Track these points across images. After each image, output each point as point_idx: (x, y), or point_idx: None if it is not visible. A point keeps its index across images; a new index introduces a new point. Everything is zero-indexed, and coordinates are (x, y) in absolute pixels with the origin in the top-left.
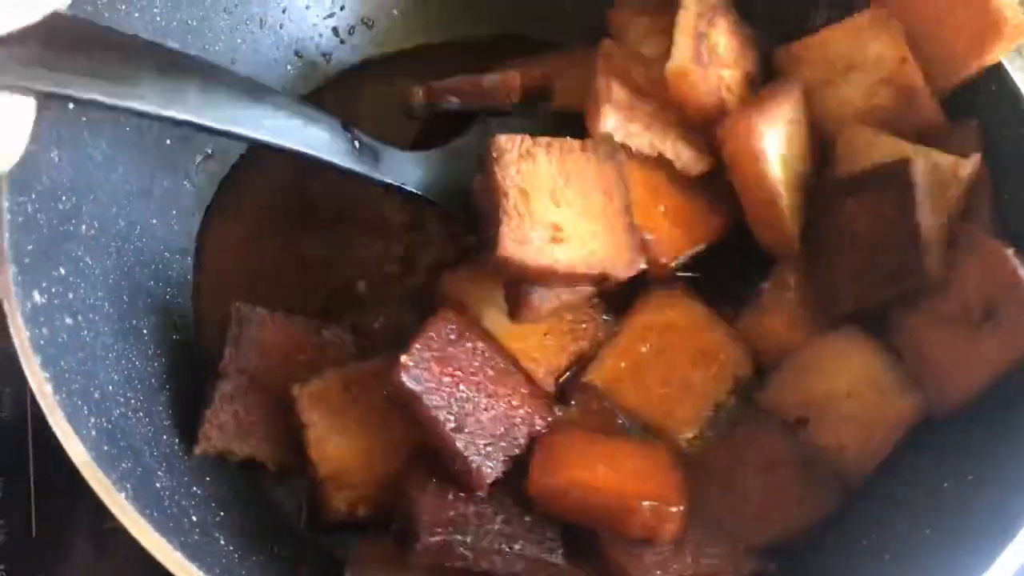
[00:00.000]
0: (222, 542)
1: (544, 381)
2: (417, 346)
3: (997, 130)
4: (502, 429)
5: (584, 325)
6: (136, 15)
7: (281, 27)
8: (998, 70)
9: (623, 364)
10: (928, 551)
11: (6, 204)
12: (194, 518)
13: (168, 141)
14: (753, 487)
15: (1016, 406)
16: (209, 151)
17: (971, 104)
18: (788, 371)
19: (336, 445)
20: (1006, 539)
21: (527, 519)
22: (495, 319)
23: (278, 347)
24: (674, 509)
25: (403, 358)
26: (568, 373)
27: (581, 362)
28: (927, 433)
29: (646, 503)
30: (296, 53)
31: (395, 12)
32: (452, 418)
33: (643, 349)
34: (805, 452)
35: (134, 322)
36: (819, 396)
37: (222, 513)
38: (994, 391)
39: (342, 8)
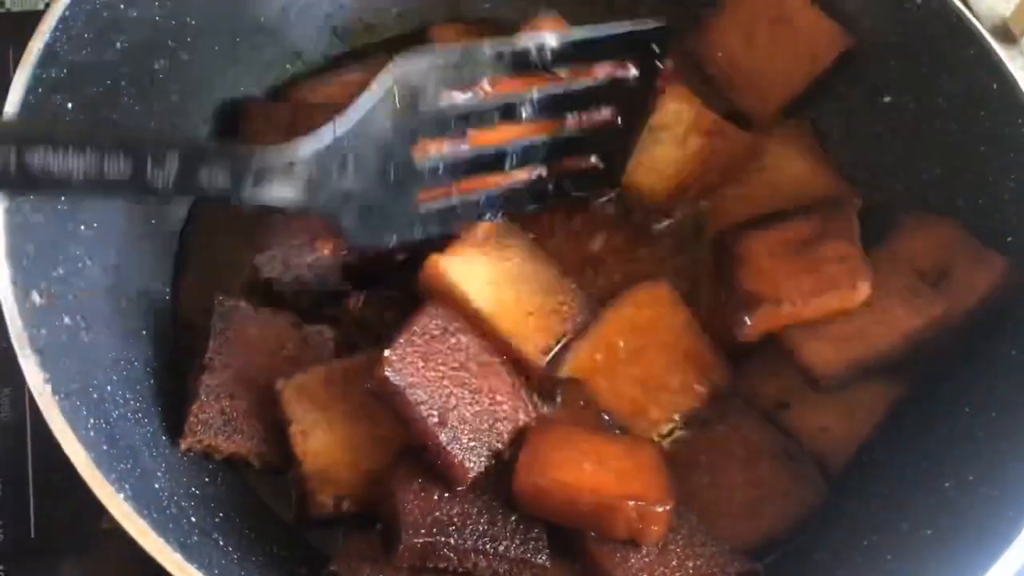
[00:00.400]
0: (221, 543)
1: (536, 360)
2: (401, 341)
3: (997, 129)
4: (486, 424)
5: (565, 306)
6: (135, 13)
7: (281, 28)
8: (999, 69)
9: (598, 357)
10: (929, 551)
11: (4, 205)
12: (193, 519)
13: None
14: (737, 482)
15: (1017, 406)
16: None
17: (971, 103)
18: (762, 358)
19: (321, 441)
20: (1008, 539)
21: (512, 519)
22: (481, 301)
23: (262, 342)
24: (660, 509)
25: (386, 353)
26: (557, 348)
27: (567, 341)
28: (928, 433)
29: (632, 503)
30: (295, 54)
31: (394, 11)
32: (435, 413)
33: (620, 344)
34: (787, 444)
35: (133, 323)
36: (797, 380)
37: (221, 514)
38: (994, 392)
39: (341, 8)
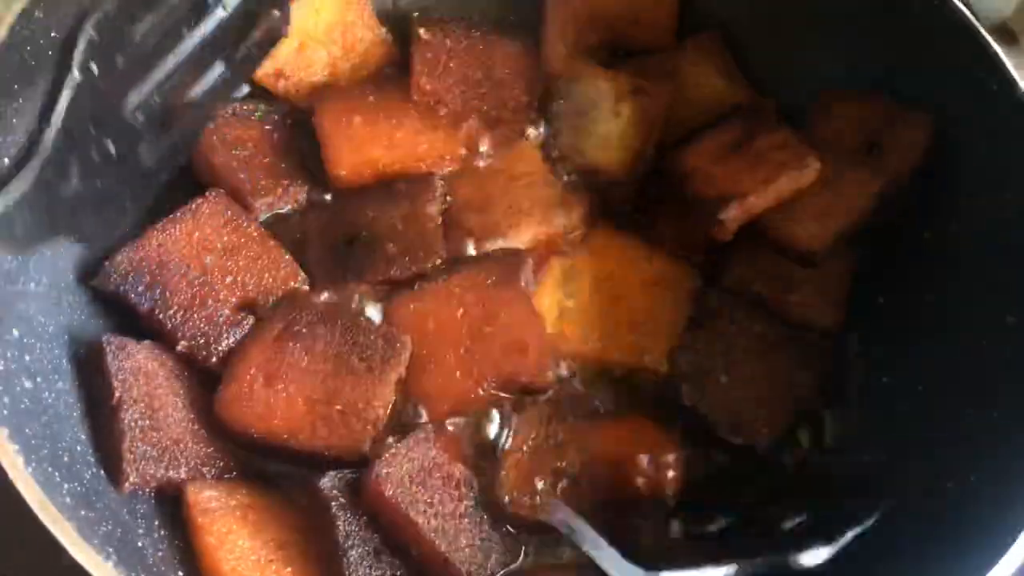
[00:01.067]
0: None
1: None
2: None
3: (996, 127)
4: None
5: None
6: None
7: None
8: (997, 66)
9: (593, 332)
10: (932, 552)
11: None
12: (180, 574)
13: None
14: (753, 374)
15: (1018, 407)
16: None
17: (967, 104)
18: (745, 249)
19: None
20: (1011, 537)
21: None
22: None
23: (159, 371)
24: (671, 457)
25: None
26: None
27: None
28: (930, 434)
29: (643, 456)
30: None
31: None
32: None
33: (601, 303)
34: (789, 329)
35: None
36: (777, 269)
37: None
38: (996, 393)
39: None
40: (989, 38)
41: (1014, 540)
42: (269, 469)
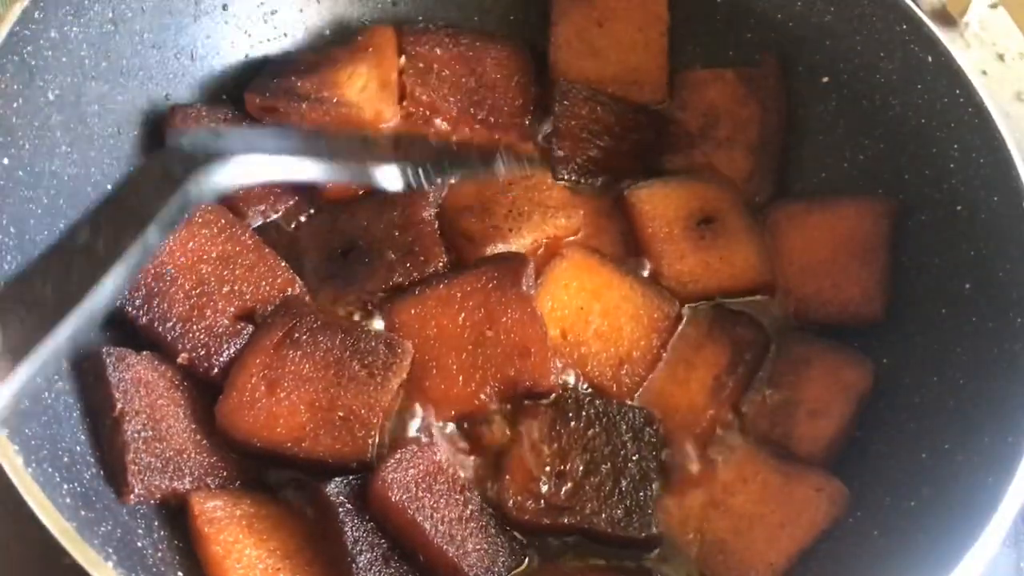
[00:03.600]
0: None
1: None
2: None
3: (935, 101)
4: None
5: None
6: (64, 59)
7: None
8: (931, 41)
9: (582, 349)
10: (915, 523)
11: None
12: (179, 574)
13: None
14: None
15: (981, 370)
16: None
17: (908, 78)
18: None
19: None
20: (992, 505)
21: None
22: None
23: (158, 382)
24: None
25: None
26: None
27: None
28: (899, 406)
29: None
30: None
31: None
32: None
33: (576, 325)
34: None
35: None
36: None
37: None
38: (957, 358)
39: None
40: (920, 13)
41: (996, 507)
42: (273, 477)
